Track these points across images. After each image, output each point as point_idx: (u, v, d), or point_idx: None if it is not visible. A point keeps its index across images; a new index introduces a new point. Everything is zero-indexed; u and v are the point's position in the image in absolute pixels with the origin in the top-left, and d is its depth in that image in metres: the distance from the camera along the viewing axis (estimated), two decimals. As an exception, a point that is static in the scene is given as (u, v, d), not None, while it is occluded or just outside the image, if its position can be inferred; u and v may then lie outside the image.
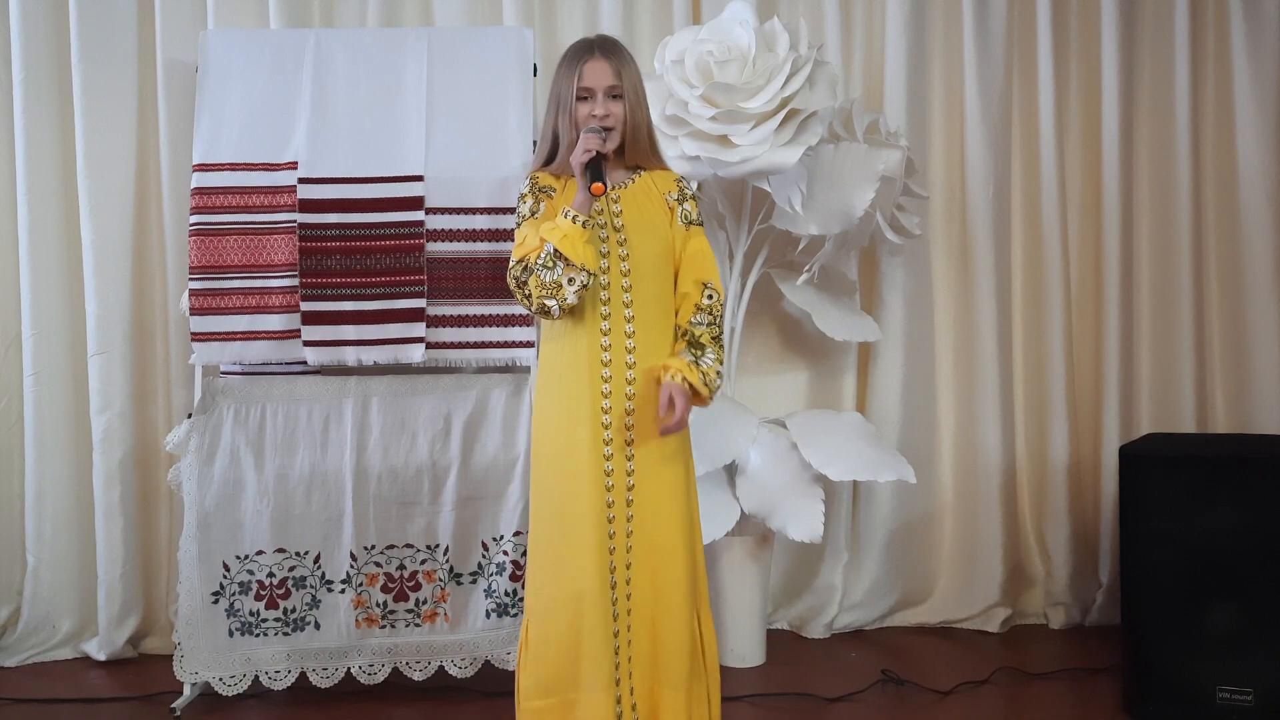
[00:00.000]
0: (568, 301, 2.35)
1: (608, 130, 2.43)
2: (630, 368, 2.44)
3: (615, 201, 2.49)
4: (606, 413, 2.42)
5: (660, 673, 2.43)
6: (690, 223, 2.54)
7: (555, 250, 2.34)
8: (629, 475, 2.43)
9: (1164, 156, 3.89)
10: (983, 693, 3.29)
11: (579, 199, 2.37)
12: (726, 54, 3.30)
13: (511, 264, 2.41)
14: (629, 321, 2.44)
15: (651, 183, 2.54)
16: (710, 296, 2.49)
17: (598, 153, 2.36)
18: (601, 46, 2.48)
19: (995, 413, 3.85)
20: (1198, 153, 3.87)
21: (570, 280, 2.34)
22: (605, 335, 2.43)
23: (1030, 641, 3.74)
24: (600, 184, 2.32)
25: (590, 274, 2.35)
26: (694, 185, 3.43)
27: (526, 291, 2.37)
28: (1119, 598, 3.12)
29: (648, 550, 2.43)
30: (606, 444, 2.41)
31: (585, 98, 2.44)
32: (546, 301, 2.35)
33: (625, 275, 2.44)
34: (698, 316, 2.48)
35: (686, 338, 2.48)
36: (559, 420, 2.44)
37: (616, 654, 2.39)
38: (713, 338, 2.49)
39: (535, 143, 2.79)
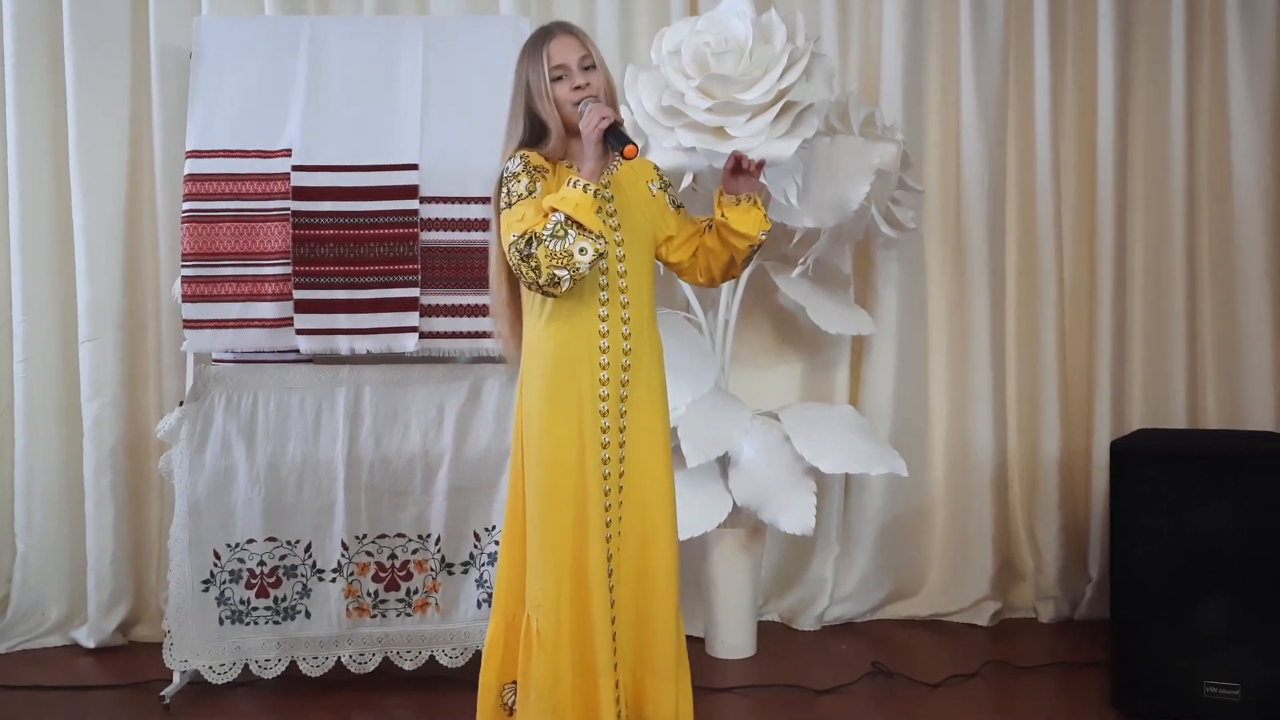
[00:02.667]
0: (579, 272, 2.28)
1: (595, 100, 2.40)
2: (626, 354, 2.43)
3: (606, 185, 2.47)
4: (604, 400, 2.41)
5: (647, 659, 2.44)
6: (679, 206, 2.60)
7: (567, 218, 2.27)
8: (621, 463, 2.42)
9: (1158, 152, 3.90)
10: (971, 686, 3.31)
11: (589, 168, 2.32)
12: (723, 45, 3.30)
13: (513, 238, 2.31)
14: (625, 307, 2.43)
15: (633, 169, 2.55)
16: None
17: (615, 120, 2.34)
18: (561, 26, 2.48)
19: (987, 407, 3.86)
20: (1192, 149, 3.88)
21: (583, 250, 2.27)
22: (603, 321, 2.41)
23: (1019, 635, 3.75)
24: (633, 145, 2.31)
25: (604, 241, 2.31)
26: (689, 178, 3.44)
27: (534, 264, 2.28)
28: (1108, 592, 3.13)
29: (636, 535, 2.43)
30: (604, 431, 2.40)
31: (560, 76, 2.41)
32: (558, 272, 2.27)
33: (621, 260, 2.43)
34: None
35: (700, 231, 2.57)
36: (554, 406, 2.39)
37: (614, 639, 2.39)
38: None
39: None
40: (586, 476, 2.38)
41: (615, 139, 2.32)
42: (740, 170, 2.48)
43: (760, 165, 2.48)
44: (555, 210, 2.29)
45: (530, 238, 2.29)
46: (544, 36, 2.45)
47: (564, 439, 2.39)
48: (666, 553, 2.43)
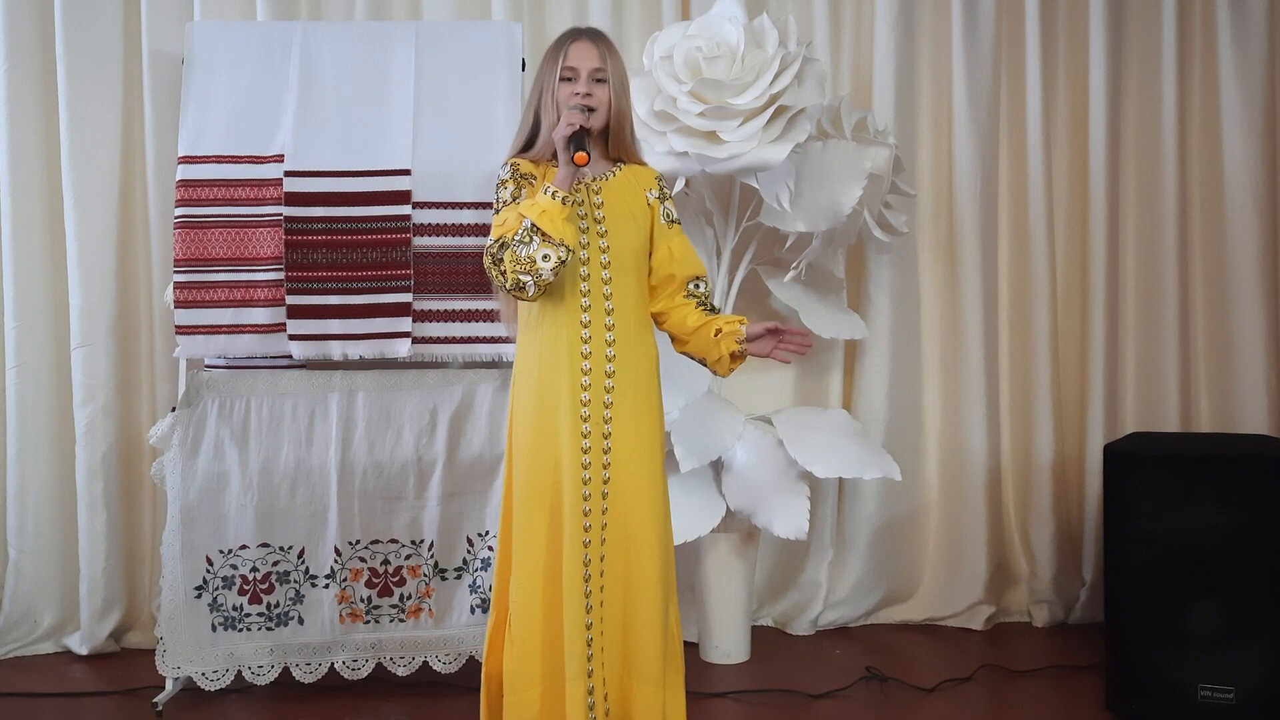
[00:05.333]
0: (543, 278, 2.31)
1: (590, 111, 2.42)
2: (610, 360, 2.43)
3: (597, 193, 2.49)
4: (585, 405, 2.41)
5: (632, 666, 2.44)
6: (672, 221, 2.56)
7: (532, 225, 2.31)
8: (605, 469, 2.42)
9: (1150, 156, 3.91)
10: (966, 690, 3.31)
11: (560, 175, 2.35)
12: (715, 50, 3.30)
13: (488, 243, 2.38)
14: (609, 314, 2.43)
15: (633, 177, 2.55)
16: (700, 286, 2.56)
17: (581, 126, 2.35)
18: (589, 32, 2.49)
19: (980, 411, 3.87)
20: (1184, 152, 3.89)
21: (545, 256, 2.30)
22: (585, 327, 2.42)
23: (1014, 639, 3.75)
24: (584, 153, 2.31)
25: (569, 250, 2.32)
26: (681, 182, 3.44)
27: (502, 268, 2.33)
28: (1102, 596, 3.13)
29: (621, 542, 2.43)
30: (585, 436, 2.41)
31: (569, 78, 2.43)
32: (521, 277, 2.31)
33: (605, 267, 2.44)
34: (694, 298, 2.53)
35: (703, 306, 2.53)
36: (537, 410, 2.42)
37: (589, 645, 2.39)
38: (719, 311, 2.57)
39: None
40: (564, 482, 2.40)
41: (574, 144, 2.33)
42: (775, 336, 2.44)
43: (790, 356, 2.47)
44: (524, 216, 2.32)
45: (502, 243, 2.34)
46: (570, 37, 2.48)
47: (543, 444, 2.41)
48: (652, 560, 2.42)
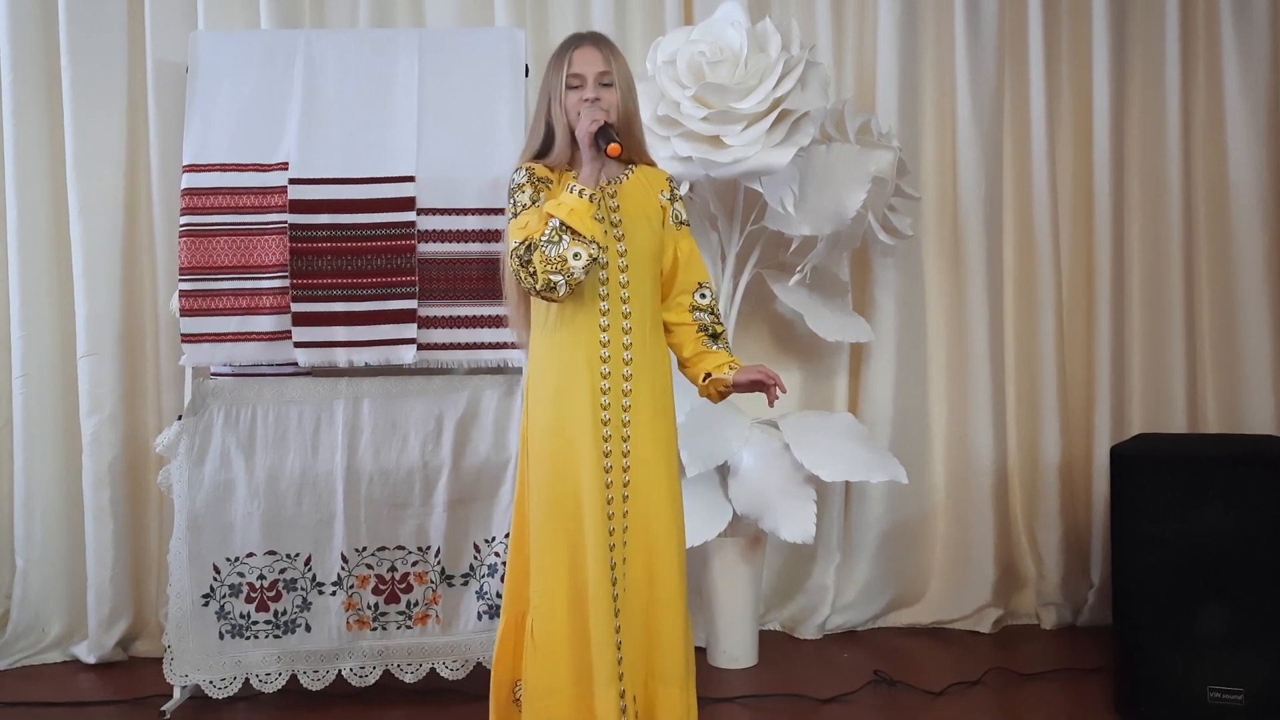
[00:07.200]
0: (574, 276, 2.31)
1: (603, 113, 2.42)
2: (627, 364, 2.43)
3: (612, 196, 2.49)
4: (605, 409, 2.41)
5: (656, 668, 2.44)
6: (681, 223, 2.57)
7: (561, 223, 2.31)
8: (625, 472, 2.42)
9: (1155, 157, 3.91)
10: (974, 693, 3.30)
11: (585, 173, 2.35)
12: (718, 55, 3.30)
13: (514, 245, 2.36)
14: (626, 319, 2.44)
15: (646, 178, 2.55)
16: (705, 296, 2.55)
17: (605, 121, 2.36)
18: (591, 37, 2.50)
19: (987, 413, 3.86)
20: (1188, 153, 3.89)
21: (577, 255, 2.30)
22: (604, 331, 2.42)
23: (1022, 642, 3.74)
24: (617, 144, 2.32)
25: (599, 247, 2.32)
26: (685, 186, 3.44)
27: (531, 269, 2.32)
28: (1110, 598, 3.13)
29: (642, 545, 2.43)
30: (606, 440, 2.40)
31: (576, 85, 2.44)
32: (553, 277, 2.30)
33: (623, 270, 2.44)
34: (699, 314, 2.53)
35: (705, 331, 2.53)
36: (555, 416, 2.42)
37: (619, 649, 2.38)
38: (721, 331, 2.57)
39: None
40: (586, 486, 2.39)
41: (603, 138, 2.34)
42: (761, 388, 2.46)
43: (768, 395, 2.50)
44: (552, 216, 2.31)
45: (529, 244, 2.33)
46: (572, 43, 2.48)
47: (562, 449, 2.41)
48: (673, 564, 2.43)
